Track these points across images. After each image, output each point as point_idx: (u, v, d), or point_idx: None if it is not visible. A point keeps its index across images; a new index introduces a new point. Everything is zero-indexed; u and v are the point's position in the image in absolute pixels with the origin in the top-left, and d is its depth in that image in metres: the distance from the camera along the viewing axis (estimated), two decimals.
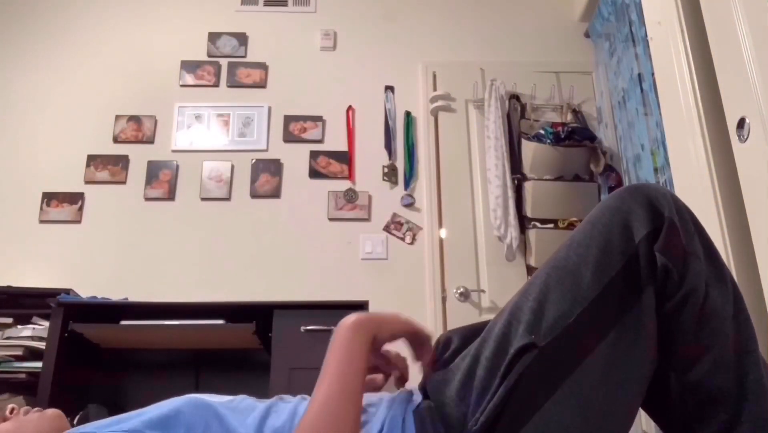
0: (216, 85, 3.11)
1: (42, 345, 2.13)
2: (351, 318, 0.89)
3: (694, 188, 1.44)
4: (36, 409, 1.07)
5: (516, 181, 2.80)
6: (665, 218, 0.84)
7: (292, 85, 3.11)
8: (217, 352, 2.43)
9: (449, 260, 2.79)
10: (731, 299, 0.86)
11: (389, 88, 3.10)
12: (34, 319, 2.27)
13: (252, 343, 2.24)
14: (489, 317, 0.97)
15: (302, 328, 2.13)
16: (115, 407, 2.25)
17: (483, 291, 2.73)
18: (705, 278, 0.84)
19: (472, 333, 0.92)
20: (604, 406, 0.81)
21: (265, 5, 3.27)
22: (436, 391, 0.89)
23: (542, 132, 2.84)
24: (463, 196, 2.90)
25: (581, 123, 2.94)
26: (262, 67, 3.14)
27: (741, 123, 1.25)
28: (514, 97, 3.00)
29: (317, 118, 3.03)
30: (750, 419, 0.81)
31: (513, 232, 2.69)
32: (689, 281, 0.83)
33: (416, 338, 0.94)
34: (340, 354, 0.85)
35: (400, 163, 2.98)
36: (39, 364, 2.09)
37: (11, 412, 1.06)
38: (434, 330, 2.41)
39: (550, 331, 0.81)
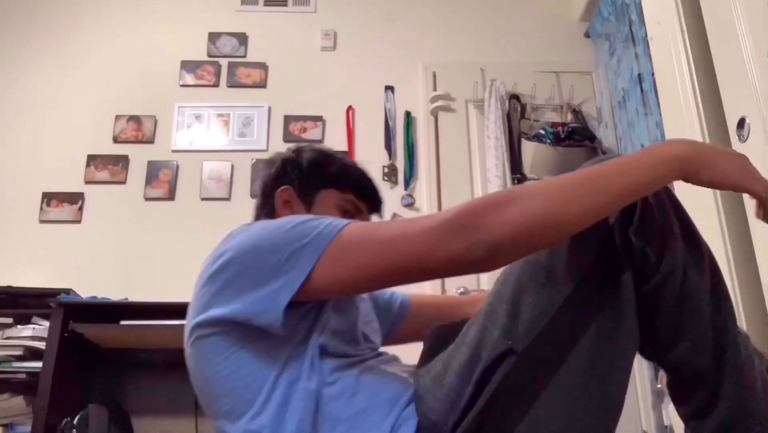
0: (216, 85, 3.11)
1: (42, 345, 2.13)
2: (677, 147, 0.77)
3: (694, 188, 1.44)
4: None
5: (516, 181, 2.80)
6: (646, 199, 0.80)
7: (292, 85, 3.11)
8: None
9: None
10: (708, 276, 0.83)
11: (389, 88, 3.10)
12: (34, 319, 2.27)
13: None
14: None
15: None
16: (115, 407, 2.25)
17: (483, 291, 2.73)
18: (683, 257, 0.81)
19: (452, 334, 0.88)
20: (593, 402, 0.78)
21: (265, 5, 3.27)
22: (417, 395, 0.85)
23: (542, 132, 2.84)
24: (463, 197, 2.90)
25: (581, 123, 2.94)
26: (262, 67, 3.14)
27: (741, 123, 1.25)
28: (514, 97, 3.00)
29: (317, 118, 3.03)
30: (728, 396, 0.81)
31: None
32: (667, 263, 0.80)
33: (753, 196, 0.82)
34: (630, 173, 0.75)
35: (400, 163, 2.98)
36: (39, 364, 2.09)
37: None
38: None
39: (527, 333, 0.77)
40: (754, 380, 0.82)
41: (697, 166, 0.78)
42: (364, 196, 1.15)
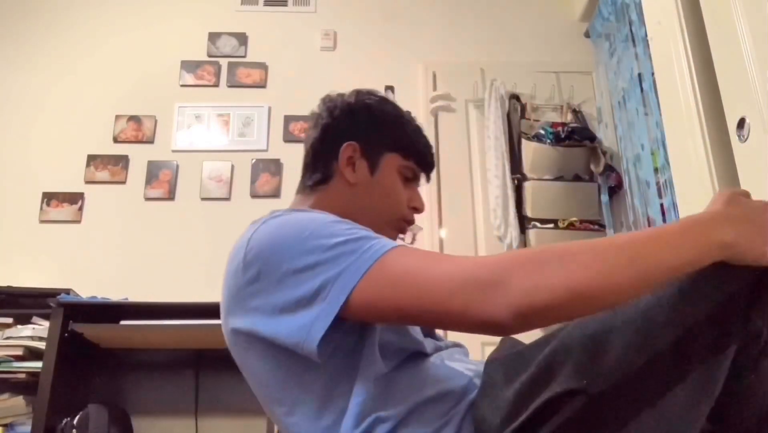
0: (216, 85, 3.11)
1: (42, 345, 2.13)
2: (722, 233, 0.70)
3: (694, 188, 1.44)
4: None
5: (516, 181, 2.80)
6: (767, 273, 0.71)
7: (292, 85, 3.11)
8: (217, 352, 2.42)
9: None
10: None
11: (389, 88, 3.10)
12: (34, 319, 2.27)
13: None
14: None
15: None
16: (115, 408, 2.25)
17: None
18: None
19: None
20: None
21: (265, 5, 3.27)
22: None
23: (542, 132, 2.84)
24: (463, 197, 2.90)
25: (581, 123, 2.94)
26: (262, 67, 3.14)
27: (741, 123, 1.25)
28: (514, 97, 3.00)
29: None
30: None
31: (513, 232, 2.69)
32: None
33: None
34: (676, 253, 0.69)
35: None
36: (39, 364, 2.09)
37: None
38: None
39: (606, 378, 0.69)
40: None
41: (742, 255, 0.71)
42: (424, 166, 1.10)
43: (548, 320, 0.70)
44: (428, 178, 1.13)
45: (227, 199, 2.89)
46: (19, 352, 2.18)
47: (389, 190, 1.06)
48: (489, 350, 0.94)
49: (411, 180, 1.09)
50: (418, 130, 1.12)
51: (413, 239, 2.84)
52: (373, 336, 0.82)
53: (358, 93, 1.12)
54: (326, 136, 1.07)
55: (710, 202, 0.78)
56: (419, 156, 1.10)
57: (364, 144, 1.05)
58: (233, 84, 3.11)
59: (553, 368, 0.72)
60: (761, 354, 0.71)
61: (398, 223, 1.08)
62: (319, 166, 1.06)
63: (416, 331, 0.92)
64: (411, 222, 1.09)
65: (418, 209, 1.09)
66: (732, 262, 0.71)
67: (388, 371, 0.83)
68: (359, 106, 1.09)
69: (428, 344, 0.92)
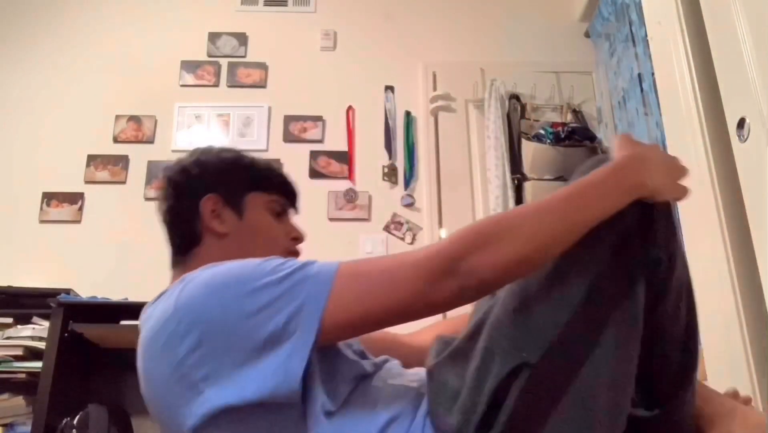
0: (216, 85, 3.11)
1: (42, 345, 2.13)
2: (637, 177, 0.80)
3: (694, 188, 1.44)
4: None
5: (516, 181, 2.80)
6: (655, 206, 0.82)
7: (292, 85, 3.11)
8: None
9: None
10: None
11: (389, 88, 3.10)
12: (34, 319, 2.27)
13: None
14: None
15: None
16: (115, 408, 2.25)
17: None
18: (685, 263, 0.85)
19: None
20: (611, 414, 0.76)
21: (265, 5, 3.27)
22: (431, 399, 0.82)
23: (542, 132, 2.84)
24: (463, 196, 2.90)
25: (581, 123, 2.94)
26: (262, 67, 3.14)
27: (741, 123, 1.25)
28: (514, 97, 3.00)
29: (317, 118, 3.03)
30: None
31: None
32: (679, 272, 0.82)
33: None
34: (597, 203, 0.79)
35: (400, 163, 2.98)
36: (39, 364, 2.09)
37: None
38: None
39: (539, 344, 0.75)
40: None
41: (659, 192, 0.82)
42: (288, 195, 1.09)
43: (508, 281, 0.79)
44: (296, 209, 1.12)
45: None
46: (19, 352, 2.18)
47: (262, 228, 1.04)
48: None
49: (282, 213, 1.08)
50: (269, 164, 1.11)
51: (413, 239, 2.84)
52: (315, 377, 0.79)
53: (194, 152, 1.10)
54: (181, 200, 1.04)
55: (616, 147, 0.86)
56: (280, 187, 1.09)
57: (223, 192, 1.03)
58: (233, 84, 3.11)
59: (493, 352, 0.77)
60: (666, 279, 0.81)
61: (284, 256, 1.07)
62: (186, 231, 1.02)
63: (354, 354, 0.92)
64: (296, 253, 1.07)
65: (299, 239, 1.08)
66: (649, 199, 0.80)
67: (338, 408, 0.80)
68: (203, 160, 1.07)
69: (366, 365, 0.91)
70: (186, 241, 1.02)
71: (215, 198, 1.02)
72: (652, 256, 0.80)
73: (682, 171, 0.87)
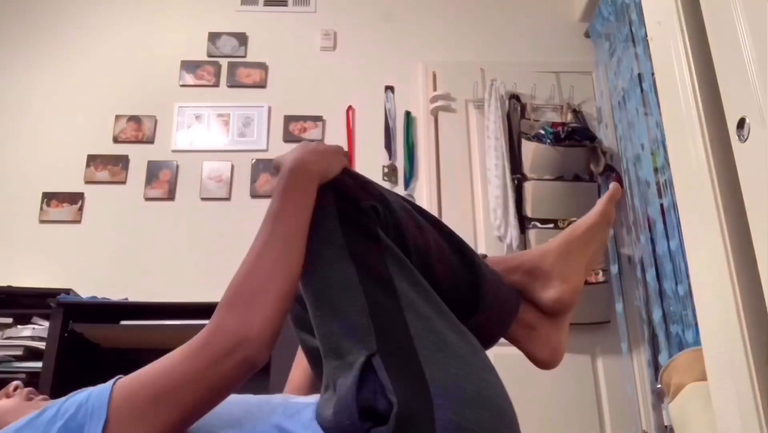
0: (216, 85, 3.11)
1: (42, 345, 2.14)
2: (297, 160, 0.91)
3: (694, 188, 1.44)
4: (41, 397, 1.05)
5: (516, 181, 2.80)
6: (334, 180, 0.92)
7: (292, 85, 3.11)
8: None
9: None
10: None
11: (389, 88, 3.10)
12: (34, 319, 2.27)
13: None
14: None
15: None
16: None
17: None
18: (394, 193, 0.97)
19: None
20: (455, 330, 0.85)
21: (265, 5, 3.27)
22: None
23: (542, 132, 2.84)
24: (463, 196, 2.90)
25: (581, 123, 2.94)
26: (262, 67, 3.14)
27: (741, 123, 1.25)
28: (514, 97, 3.00)
29: (317, 118, 3.03)
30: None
31: (513, 232, 2.69)
32: (395, 201, 0.93)
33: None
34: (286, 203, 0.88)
35: (400, 163, 2.98)
36: (39, 364, 2.10)
37: (14, 389, 1.05)
38: None
39: (365, 331, 0.81)
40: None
41: (326, 174, 0.92)
42: None
43: (281, 327, 0.82)
44: None
45: (227, 199, 2.90)
46: (19, 352, 2.18)
47: None
48: None
49: None
50: None
51: None
52: None
53: None
54: None
55: (291, 153, 0.95)
56: None
57: None
58: (233, 84, 3.11)
59: (344, 367, 0.80)
60: (392, 212, 0.91)
61: None
62: None
63: None
64: None
65: None
66: (325, 182, 0.91)
67: None
68: None
69: None
70: None
71: None
72: (365, 209, 0.89)
73: (327, 148, 0.96)
